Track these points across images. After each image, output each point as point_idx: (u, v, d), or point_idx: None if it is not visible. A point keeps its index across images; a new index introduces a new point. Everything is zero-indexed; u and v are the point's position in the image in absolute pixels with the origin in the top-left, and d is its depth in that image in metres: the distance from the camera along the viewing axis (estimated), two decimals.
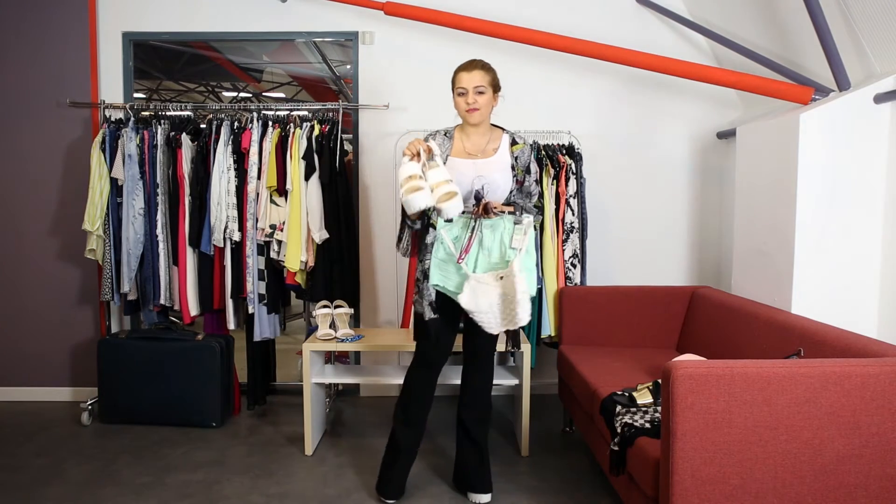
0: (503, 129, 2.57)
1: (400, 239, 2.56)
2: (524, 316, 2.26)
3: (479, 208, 2.36)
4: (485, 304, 2.28)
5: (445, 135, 2.50)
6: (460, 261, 2.32)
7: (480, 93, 2.41)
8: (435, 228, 2.39)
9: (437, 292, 2.42)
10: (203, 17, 3.79)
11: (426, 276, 2.41)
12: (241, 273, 3.43)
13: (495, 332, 2.35)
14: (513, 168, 2.50)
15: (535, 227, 2.55)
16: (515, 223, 2.37)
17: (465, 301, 2.28)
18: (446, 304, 2.41)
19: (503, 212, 2.39)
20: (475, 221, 2.36)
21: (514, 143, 2.54)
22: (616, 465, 2.27)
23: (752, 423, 1.78)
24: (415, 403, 2.58)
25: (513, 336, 2.57)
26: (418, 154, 2.37)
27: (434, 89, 3.50)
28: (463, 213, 2.37)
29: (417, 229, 2.48)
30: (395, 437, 2.62)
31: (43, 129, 3.77)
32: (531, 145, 2.65)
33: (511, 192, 2.50)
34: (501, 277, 2.29)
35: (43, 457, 3.05)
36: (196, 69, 4.26)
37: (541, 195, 2.88)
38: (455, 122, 2.55)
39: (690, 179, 3.93)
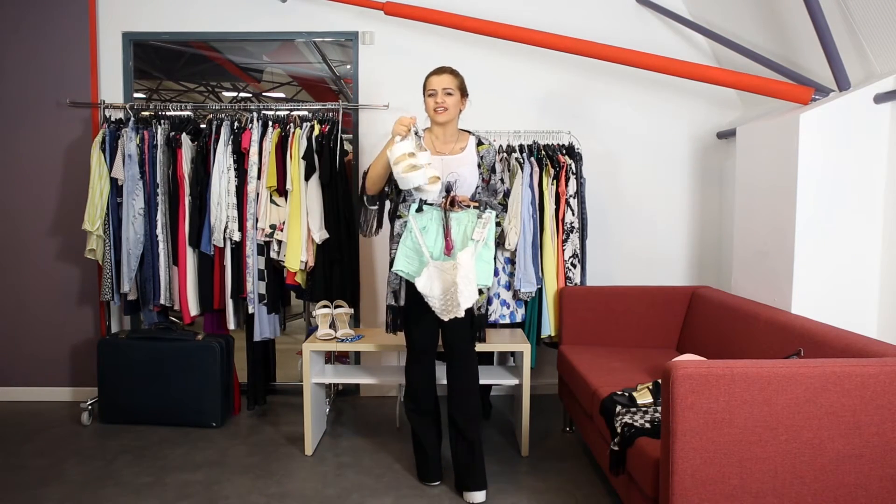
0: (470, 132, 2.74)
1: (363, 220, 2.77)
2: (463, 302, 2.37)
3: (447, 201, 2.51)
4: (437, 290, 2.42)
5: (416, 134, 2.59)
6: (448, 253, 2.49)
7: (448, 94, 2.60)
8: (400, 218, 2.56)
9: (406, 283, 2.57)
10: (203, 17, 3.79)
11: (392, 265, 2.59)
12: (241, 273, 3.43)
13: (445, 319, 2.45)
14: (479, 166, 2.65)
15: (499, 223, 2.68)
16: (478, 217, 2.52)
17: (420, 284, 2.43)
18: (417, 296, 2.52)
19: (468, 206, 2.53)
20: (444, 213, 2.52)
21: (479, 143, 2.71)
22: (616, 465, 2.27)
23: (752, 423, 1.78)
24: (419, 392, 2.72)
25: (476, 326, 2.68)
26: (408, 132, 2.48)
27: None
28: (431, 204, 2.54)
29: (374, 209, 2.72)
30: (415, 429, 2.76)
31: (43, 129, 3.77)
32: (496, 148, 2.83)
33: (477, 189, 2.65)
34: (455, 266, 2.42)
35: (43, 457, 3.05)
36: (196, 69, 4.26)
37: (506, 194, 3.01)
38: (425, 125, 2.70)
39: (690, 179, 3.93)
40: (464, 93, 2.66)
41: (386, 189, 2.70)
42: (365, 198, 2.71)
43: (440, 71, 2.65)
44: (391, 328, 2.70)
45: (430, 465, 2.75)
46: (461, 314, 2.42)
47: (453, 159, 2.63)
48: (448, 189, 2.54)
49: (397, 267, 2.55)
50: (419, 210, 2.53)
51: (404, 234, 2.54)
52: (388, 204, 2.77)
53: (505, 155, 3.53)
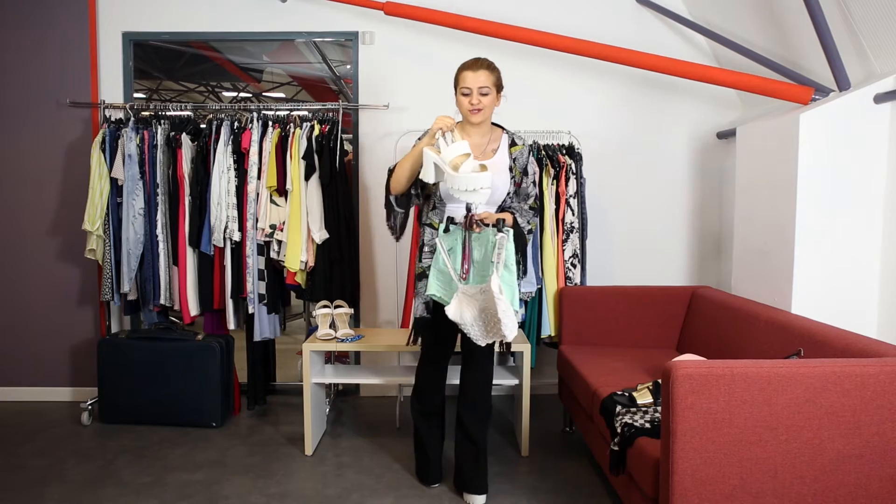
0: (503, 129, 2.57)
1: (392, 223, 2.69)
2: (509, 334, 2.23)
3: (467, 221, 2.34)
4: (469, 317, 2.27)
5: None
6: (464, 278, 2.33)
7: (484, 94, 2.40)
8: (433, 229, 2.42)
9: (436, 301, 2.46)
10: (203, 17, 3.79)
11: (423, 276, 2.47)
12: (241, 273, 3.43)
13: (481, 344, 2.32)
14: (510, 170, 2.50)
15: (530, 230, 2.54)
16: (497, 236, 2.33)
17: (451, 313, 2.28)
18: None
19: (487, 225, 2.36)
20: (465, 234, 2.35)
21: (513, 143, 2.55)
22: (616, 465, 2.27)
23: (752, 423, 1.78)
24: (426, 393, 2.69)
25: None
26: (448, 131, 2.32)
27: (434, 89, 3.50)
28: (456, 223, 2.38)
29: (401, 212, 2.59)
30: (417, 428, 2.74)
31: (43, 129, 3.77)
32: (530, 146, 2.63)
33: (508, 194, 2.51)
34: (483, 291, 2.28)
35: (43, 457, 3.05)
36: (196, 69, 4.26)
37: (538, 197, 2.89)
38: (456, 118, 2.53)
39: (690, 179, 3.93)
40: (499, 88, 2.46)
41: (413, 191, 2.52)
42: (392, 199, 2.52)
43: (476, 65, 2.39)
44: (414, 340, 2.60)
45: (430, 466, 2.73)
46: (508, 340, 2.29)
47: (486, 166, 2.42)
48: (467, 209, 2.36)
49: (431, 291, 2.39)
50: (446, 230, 2.37)
51: (435, 255, 2.39)
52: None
53: None
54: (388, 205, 2.58)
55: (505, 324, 2.20)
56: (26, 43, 3.74)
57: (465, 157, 2.25)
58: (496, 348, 2.60)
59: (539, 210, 3.43)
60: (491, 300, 2.22)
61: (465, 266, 2.33)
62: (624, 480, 2.27)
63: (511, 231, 2.34)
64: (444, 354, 2.64)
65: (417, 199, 2.55)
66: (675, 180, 3.92)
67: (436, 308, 2.48)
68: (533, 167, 2.58)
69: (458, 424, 2.64)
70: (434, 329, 2.54)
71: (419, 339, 2.61)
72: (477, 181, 2.20)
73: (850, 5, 2.61)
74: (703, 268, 3.97)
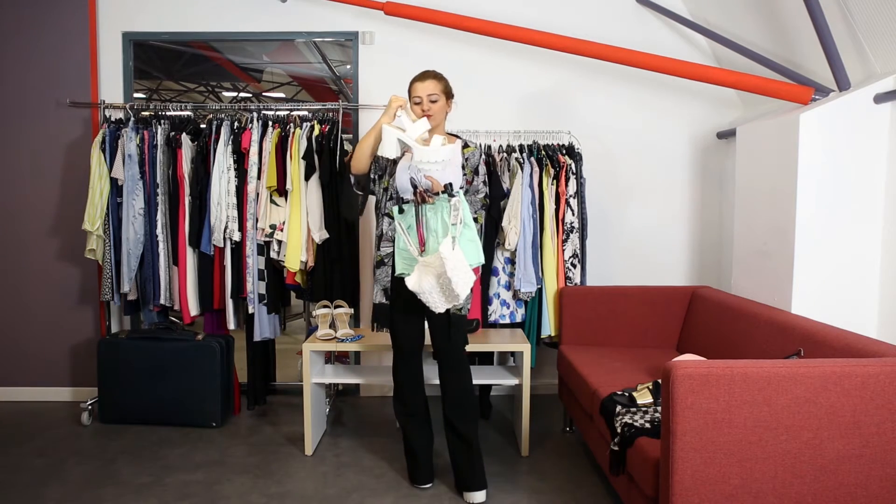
0: (458, 136, 2.76)
1: (357, 203, 2.85)
2: (460, 290, 2.37)
3: (417, 197, 2.52)
4: (427, 285, 2.40)
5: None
6: (422, 250, 2.51)
7: (434, 101, 2.60)
8: (391, 218, 2.58)
9: (395, 280, 2.58)
10: (203, 17, 3.79)
11: (381, 263, 2.62)
12: (241, 273, 3.43)
13: (440, 311, 2.45)
14: (463, 167, 2.65)
15: (476, 219, 2.68)
16: (447, 202, 2.50)
17: (410, 283, 2.42)
18: (405, 291, 2.50)
19: (437, 193, 2.52)
20: (418, 208, 2.53)
21: (465, 146, 2.72)
22: (616, 465, 2.27)
23: (752, 423, 1.78)
24: (407, 393, 2.72)
25: (454, 324, 2.60)
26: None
27: None
28: (407, 201, 2.56)
29: (360, 195, 2.77)
30: (405, 431, 2.75)
31: (43, 129, 3.77)
32: (481, 149, 2.86)
33: (461, 188, 2.66)
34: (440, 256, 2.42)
35: (43, 457, 3.05)
36: (196, 69, 4.26)
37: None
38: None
39: (690, 179, 3.93)
40: (449, 95, 2.67)
41: (371, 175, 2.67)
42: (352, 179, 2.71)
43: (423, 77, 2.65)
44: (377, 326, 2.71)
45: (420, 468, 2.73)
46: (461, 302, 2.44)
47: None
48: (413, 185, 2.52)
49: (400, 270, 2.56)
50: (401, 212, 2.55)
51: (396, 237, 2.57)
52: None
53: (505, 155, 3.54)
54: (346, 186, 2.79)
55: (455, 282, 2.34)
56: (26, 43, 3.74)
57: (428, 132, 2.54)
58: (451, 313, 2.58)
59: (539, 210, 3.44)
60: (440, 260, 2.36)
61: (420, 237, 2.52)
62: (624, 480, 2.27)
63: (462, 193, 2.54)
64: (413, 346, 2.68)
65: (373, 184, 2.69)
66: (675, 180, 3.93)
67: (399, 290, 2.56)
68: (483, 168, 2.74)
69: (446, 425, 2.65)
70: (398, 315, 2.63)
71: (384, 329, 2.71)
72: (443, 152, 2.50)
73: (850, 5, 2.61)
74: (703, 268, 3.97)
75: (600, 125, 3.86)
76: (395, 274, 2.58)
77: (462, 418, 2.62)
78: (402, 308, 2.61)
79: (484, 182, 2.74)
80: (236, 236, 3.40)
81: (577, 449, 3.16)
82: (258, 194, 3.41)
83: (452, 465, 2.69)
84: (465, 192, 2.62)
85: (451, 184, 2.52)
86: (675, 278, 3.95)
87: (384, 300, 2.64)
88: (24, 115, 3.77)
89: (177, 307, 3.52)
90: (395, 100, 2.57)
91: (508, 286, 3.48)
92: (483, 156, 2.83)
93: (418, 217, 2.53)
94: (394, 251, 2.61)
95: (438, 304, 2.43)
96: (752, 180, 3.09)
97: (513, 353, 3.54)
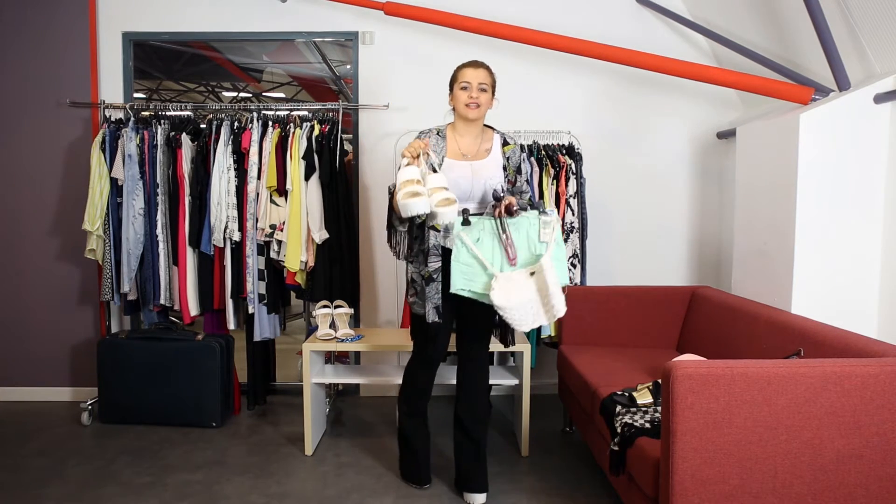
0: (494, 130, 2.58)
1: (395, 243, 2.50)
2: (560, 307, 2.29)
3: (502, 208, 2.34)
4: (516, 301, 2.27)
5: (438, 134, 2.49)
6: (513, 263, 2.35)
7: (483, 90, 2.43)
8: (437, 231, 2.37)
9: (443, 296, 2.41)
10: (203, 17, 3.79)
11: (430, 280, 2.39)
12: (241, 273, 3.43)
13: (525, 329, 2.33)
14: (504, 168, 2.52)
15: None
16: (541, 216, 2.38)
17: (497, 299, 2.26)
18: (443, 305, 2.42)
19: (524, 209, 2.41)
20: (499, 221, 2.36)
21: (505, 143, 2.56)
22: (616, 465, 2.27)
23: (752, 423, 1.78)
24: (416, 396, 2.68)
25: (505, 333, 2.63)
26: (418, 157, 2.35)
27: (434, 89, 3.47)
28: (475, 214, 2.39)
29: (403, 231, 2.44)
30: (404, 430, 2.72)
31: (43, 129, 3.77)
32: (521, 145, 2.68)
33: (506, 190, 2.53)
34: (532, 273, 2.32)
35: (43, 457, 3.05)
36: (196, 69, 4.26)
37: (532, 195, 2.89)
38: (446, 121, 2.56)
39: (690, 179, 3.93)
40: (495, 91, 2.51)
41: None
42: (394, 217, 2.44)
43: (476, 64, 2.46)
44: (422, 337, 2.55)
45: (420, 467, 2.72)
46: (561, 315, 2.31)
47: (482, 165, 2.47)
48: (497, 197, 2.35)
49: (456, 287, 2.34)
50: (466, 223, 2.35)
51: (455, 250, 2.34)
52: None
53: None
54: (389, 226, 2.50)
55: (556, 296, 2.27)
56: (26, 43, 3.74)
57: (410, 182, 2.26)
58: (505, 344, 2.63)
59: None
60: (543, 278, 2.27)
61: (512, 251, 2.35)
62: (624, 480, 2.27)
63: (555, 212, 2.43)
64: (442, 356, 2.64)
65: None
66: (675, 180, 3.92)
67: (446, 307, 2.44)
68: (526, 165, 2.61)
69: (456, 424, 2.64)
70: (436, 331, 2.49)
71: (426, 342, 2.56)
72: (410, 207, 2.21)
73: (850, 5, 2.61)
74: (703, 268, 3.97)
75: (600, 125, 3.86)
76: (452, 289, 2.34)
77: (475, 419, 2.61)
78: (443, 322, 2.45)
79: (527, 181, 2.59)
80: (236, 236, 3.40)
81: (577, 449, 3.16)
82: (258, 194, 3.41)
83: (456, 465, 2.69)
84: (510, 194, 2.47)
85: (542, 200, 2.40)
86: (674, 278, 3.95)
87: (437, 319, 2.41)
88: (24, 115, 3.77)
89: (177, 307, 3.52)
90: (413, 146, 2.35)
91: None
92: (525, 152, 2.63)
93: (502, 230, 2.35)
94: (444, 265, 2.39)
95: (525, 322, 2.29)
96: (751, 180, 3.09)
97: (513, 353, 3.54)
